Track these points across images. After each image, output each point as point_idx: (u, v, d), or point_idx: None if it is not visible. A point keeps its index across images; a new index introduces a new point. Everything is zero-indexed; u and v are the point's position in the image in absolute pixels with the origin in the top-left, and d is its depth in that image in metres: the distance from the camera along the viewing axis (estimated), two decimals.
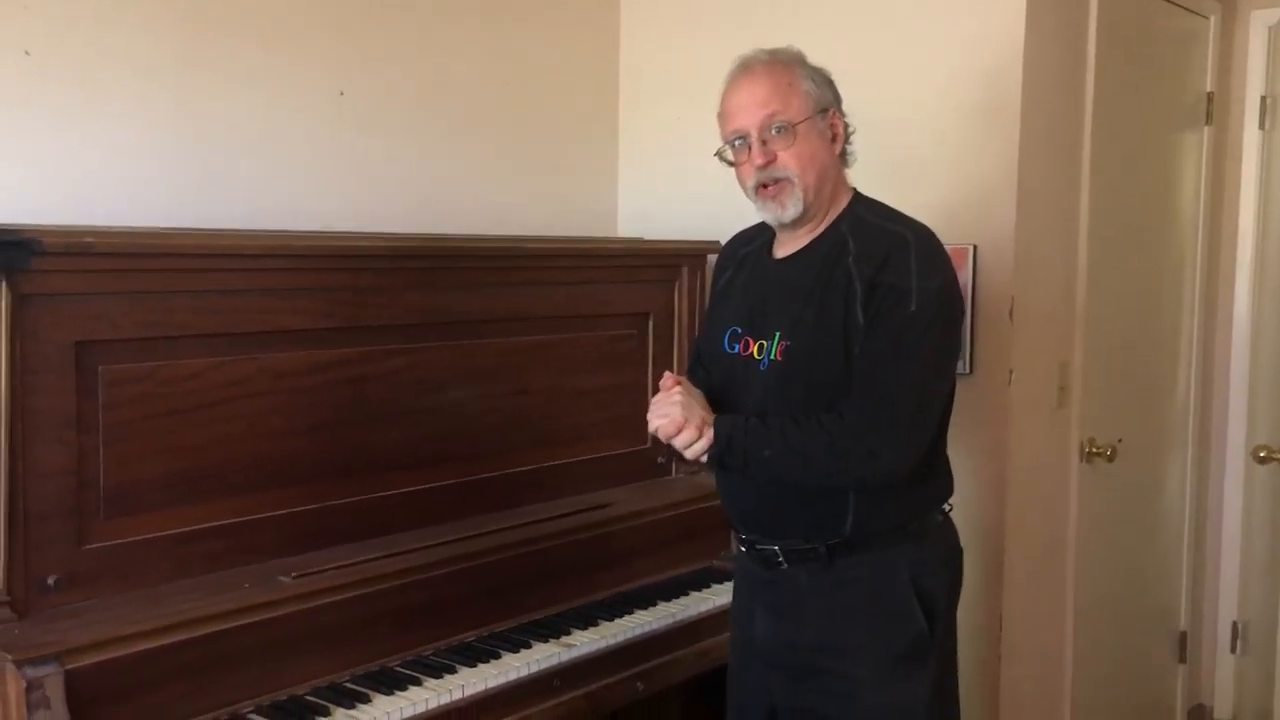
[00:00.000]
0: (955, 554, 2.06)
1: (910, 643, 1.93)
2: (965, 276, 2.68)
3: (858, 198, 2.01)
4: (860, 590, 1.93)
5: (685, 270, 2.86)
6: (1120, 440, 3.19)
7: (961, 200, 2.72)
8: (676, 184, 3.19)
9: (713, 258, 2.89)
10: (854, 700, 1.94)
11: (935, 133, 2.76)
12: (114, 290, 1.89)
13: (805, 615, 1.97)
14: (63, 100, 2.21)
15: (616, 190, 3.32)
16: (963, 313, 2.02)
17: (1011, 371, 2.74)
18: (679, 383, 1.95)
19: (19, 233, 1.79)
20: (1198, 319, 3.73)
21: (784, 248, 2.01)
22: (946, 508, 2.05)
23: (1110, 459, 3.15)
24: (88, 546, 1.88)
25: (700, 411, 1.89)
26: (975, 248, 2.71)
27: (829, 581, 1.94)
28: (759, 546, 2.00)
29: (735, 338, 2.01)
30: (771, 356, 1.94)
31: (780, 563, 1.97)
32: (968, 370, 2.67)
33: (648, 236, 3.08)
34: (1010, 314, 2.72)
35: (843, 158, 1.99)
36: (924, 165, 2.71)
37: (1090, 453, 3.13)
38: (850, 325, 1.85)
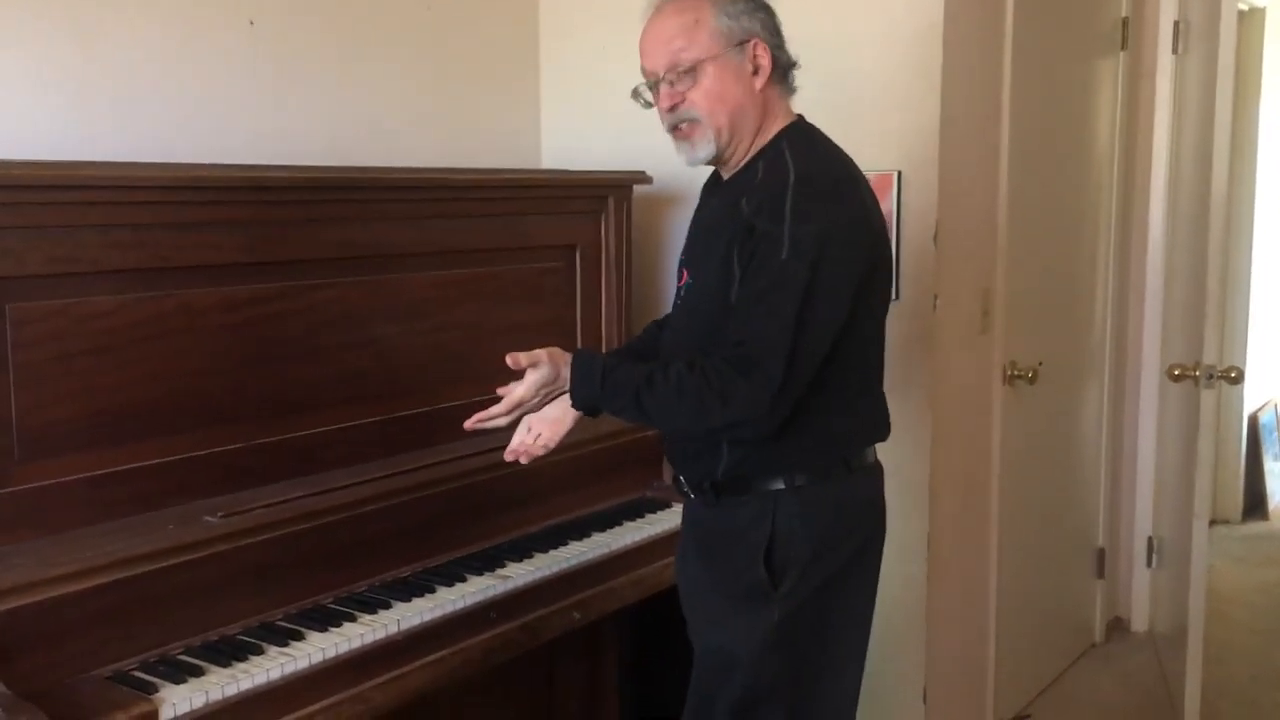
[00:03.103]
0: (839, 505, 1.87)
1: (746, 587, 1.85)
2: (889, 203, 2.70)
3: (793, 128, 1.88)
4: (731, 531, 1.88)
5: (611, 201, 2.82)
6: (1041, 363, 3.26)
7: (885, 127, 2.73)
8: (601, 115, 3.14)
9: (640, 188, 2.89)
10: (699, 639, 1.95)
11: (858, 61, 2.75)
12: (19, 225, 1.81)
13: (702, 552, 1.95)
14: None
15: (539, 121, 3.27)
16: (860, 257, 1.77)
17: (936, 297, 2.77)
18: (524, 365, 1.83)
19: None
20: (1114, 242, 3.81)
21: (724, 173, 1.93)
22: (868, 457, 1.93)
23: (1031, 381, 3.22)
24: (3, 491, 1.82)
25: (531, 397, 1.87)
26: (899, 174, 2.72)
27: (716, 518, 1.91)
28: (675, 475, 2.00)
29: (679, 269, 1.95)
30: (682, 291, 1.90)
31: (688, 493, 1.96)
32: (896, 296, 2.69)
33: (573, 168, 3.05)
34: (935, 239, 2.74)
35: (779, 86, 1.86)
36: (847, 94, 2.69)
37: (1012, 375, 3.19)
38: (728, 269, 1.77)
